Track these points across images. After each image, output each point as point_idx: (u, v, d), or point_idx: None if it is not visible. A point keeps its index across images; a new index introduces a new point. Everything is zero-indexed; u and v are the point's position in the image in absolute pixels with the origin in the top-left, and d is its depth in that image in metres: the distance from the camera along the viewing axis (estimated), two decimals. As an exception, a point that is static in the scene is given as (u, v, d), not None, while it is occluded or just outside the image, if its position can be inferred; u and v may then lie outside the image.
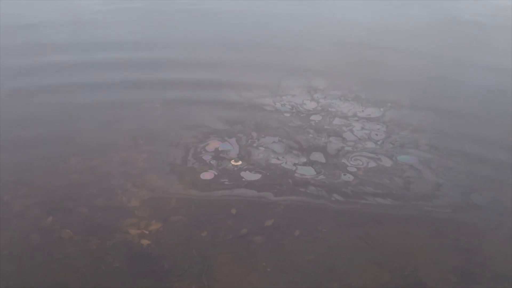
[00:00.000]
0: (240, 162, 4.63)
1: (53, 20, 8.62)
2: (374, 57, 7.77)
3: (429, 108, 6.12)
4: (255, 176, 4.53)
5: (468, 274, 3.63)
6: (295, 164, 4.74)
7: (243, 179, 4.48)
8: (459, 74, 7.34)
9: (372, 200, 4.36)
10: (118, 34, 8.17)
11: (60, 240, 3.67)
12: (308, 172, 4.68)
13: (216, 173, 4.52)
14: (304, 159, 4.84)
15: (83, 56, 7.09)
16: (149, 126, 5.29)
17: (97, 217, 3.94)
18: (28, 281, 3.32)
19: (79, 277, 3.37)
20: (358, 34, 8.70)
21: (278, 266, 3.56)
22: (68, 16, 8.96)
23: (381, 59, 7.69)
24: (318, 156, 4.92)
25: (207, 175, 4.49)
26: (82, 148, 4.82)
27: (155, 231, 3.82)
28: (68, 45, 7.51)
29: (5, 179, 4.29)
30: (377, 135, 5.49)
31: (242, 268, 3.52)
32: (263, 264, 3.56)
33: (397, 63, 7.60)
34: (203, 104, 5.82)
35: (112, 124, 5.28)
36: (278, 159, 4.81)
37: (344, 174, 4.67)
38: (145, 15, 9.37)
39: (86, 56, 7.07)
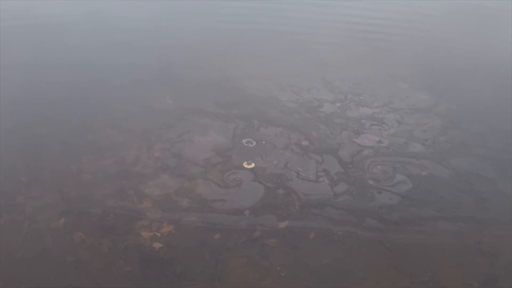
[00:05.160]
0: (253, 165, 4.52)
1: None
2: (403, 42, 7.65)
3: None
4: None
5: (491, 279, 3.48)
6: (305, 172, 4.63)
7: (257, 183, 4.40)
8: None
9: (431, 226, 3.89)
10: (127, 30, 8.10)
11: (72, 243, 3.63)
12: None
13: (228, 174, 4.45)
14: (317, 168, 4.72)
15: (95, 54, 7.05)
16: (161, 124, 5.21)
17: (109, 219, 3.89)
18: (40, 285, 3.30)
19: (91, 281, 3.34)
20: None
21: (292, 271, 3.47)
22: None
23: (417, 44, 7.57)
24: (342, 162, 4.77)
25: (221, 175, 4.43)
26: (94, 147, 4.77)
27: (167, 234, 3.76)
28: (78, 43, 7.48)
29: (18, 180, 4.28)
30: (425, 131, 4.94)
31: (256, 273, 3.43)
32: (277, 268, 3.48)
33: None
34: (216, 100, 5.73)
35: (124, 122, 5.22)
36: (290, 169, 4.70)
37: (379, 192, 4.19)
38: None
39: (98, 54, 7.02)
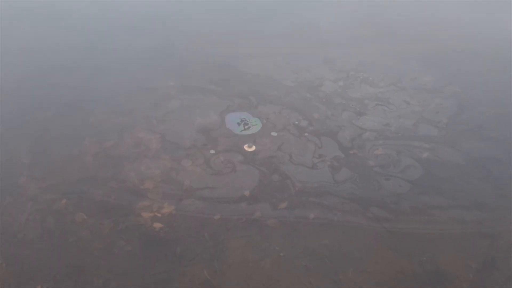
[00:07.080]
0: (254, 148, 4.51)
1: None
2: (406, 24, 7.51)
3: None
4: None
5: (490, 261, 3.48)
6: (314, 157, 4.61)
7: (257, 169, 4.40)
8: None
9: (443, 215, 3.83)
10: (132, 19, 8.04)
11: (73, 223, 3.67)
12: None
13: (229, 156, 4.45)
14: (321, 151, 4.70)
15: (98, 37, 7.02)
16: (162, 106, 5.21)
17: (110, 199, 3.92)
18: (43, 264, 3.35)
19: (92, 261, 3.38)
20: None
21: (291, 251, 3.48)
22: None
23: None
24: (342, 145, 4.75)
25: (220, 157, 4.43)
26: (96, 129, 4.79)
27: (167, 214, 3.78)
28: (82, 27, 7.45)
29: (20, 162, 4.31)
30: (437, 112, 4.81)
31: (255, 253, 3.46)
32: (276, 249, 3.50)
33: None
34: (218, 81, 5.71)
35: (125, 104, 5.22)
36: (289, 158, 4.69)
37: (387, 179, 4.11)
38: None
39: (100, 37, 6.99)
